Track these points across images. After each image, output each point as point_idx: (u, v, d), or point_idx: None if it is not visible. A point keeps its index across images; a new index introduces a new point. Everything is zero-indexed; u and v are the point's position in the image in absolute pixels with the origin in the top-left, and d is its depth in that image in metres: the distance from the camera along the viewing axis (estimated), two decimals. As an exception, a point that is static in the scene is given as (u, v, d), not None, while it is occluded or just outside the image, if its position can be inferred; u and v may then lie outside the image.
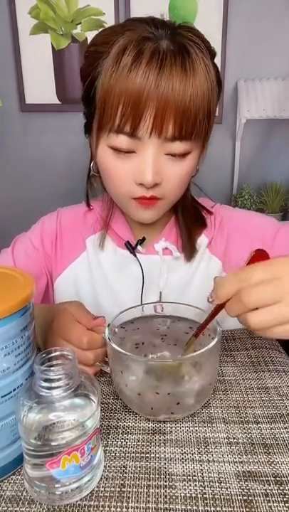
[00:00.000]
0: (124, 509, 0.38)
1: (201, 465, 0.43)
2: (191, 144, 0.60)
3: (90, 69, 0.59)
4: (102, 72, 0.57)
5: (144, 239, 0.73)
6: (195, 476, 0.42)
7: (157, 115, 0.55)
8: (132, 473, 0.42)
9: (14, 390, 0.41)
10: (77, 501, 0.39)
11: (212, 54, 0.60)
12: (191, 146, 0.60)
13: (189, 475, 0.42)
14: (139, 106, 0.55)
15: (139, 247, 0.73)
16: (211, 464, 0.43)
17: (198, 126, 0.58)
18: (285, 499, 0.39)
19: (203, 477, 0.42)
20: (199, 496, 0.40)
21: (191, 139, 0.59)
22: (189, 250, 0.73)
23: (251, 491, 0.40)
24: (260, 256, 0.48)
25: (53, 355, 0.40)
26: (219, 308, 0.48)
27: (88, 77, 0.60)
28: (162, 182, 0.61)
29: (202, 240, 0.75)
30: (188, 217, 0.73)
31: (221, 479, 0.41)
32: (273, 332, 0.44)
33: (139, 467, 0.43)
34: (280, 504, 0.39)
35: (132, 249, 0.72)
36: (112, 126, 0.58)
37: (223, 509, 0.38)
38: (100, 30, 0.61)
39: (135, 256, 0.72)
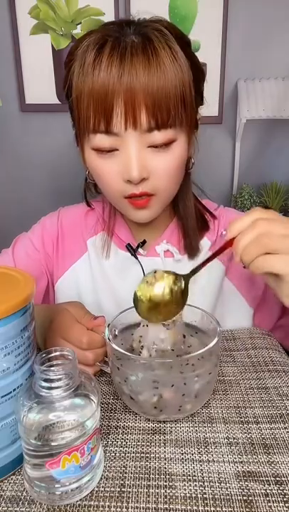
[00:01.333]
0: (124, 509, 0.38)
1: (201, 465, 0.43)
2: (171, 132, 0.59)
3: (66, 77, 0.61)
4: (72, 76, 0.58)
5: (144, 241, 0.73)
6: (195, 476, 0.42)
7: (127, 107, 0.55)
8: (132, 473, 0.42)
9: (14, 390, 0.41)
10: (77, 501, 0.39)
11: (184, 41, 0.60)
12: (173, 134, 0.59)
13: (189, 475, 0.42)
14: (107, 100, 0.55)
15: (140, 250, 0.73)
16: (211, 463, 0.43)
17: (173, 111, 0.57)
18: (285, 499, 0.39)
19: (203, 477, 0.42)
20: (199, 496, 0.40)
21: (169, 127, 0.58)
22: (192, 250, 0.73)
23: (251, 491, 0.40)
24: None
25: (53, 355, 0.40)
26: (226, 246, 0.51)
27: (65, 85, 0.61)
28: (150, 176, 0.60)
29: (205, 243, 0.75)
30: (190, 219, 0.72)
31: (221, 479, 0.41)
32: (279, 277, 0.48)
33: (139, 467, 0.43)
34: (280, 504, 0.39)
35: (133, 251, 0.72)
36: (88, 126, 0.58)
37: (223, 509, 0.38)
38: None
39: (136, 258, 0.72)
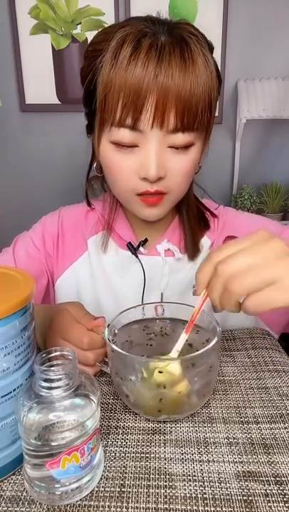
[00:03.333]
0: (124, 509, 0.38)
1: (201, 465, 0.43)
2: (193, 135, 0.59)
3: (90, 67, 0.60)
4: (101, 67, 0.57)
5: (146, 240, 0.73)
6: (195, 476, 0.42)
7: (158, 106, 0.55)
8: (132, 473, 0.42)
9: (14, 390, 0.41)
10: (77, 501, 0.39)
11: (210, 48, 0.61)
12: (194, 138, 0.60)
13: (189, 475, 0.42)
14: (140, 97, 0.55)
15: (141, 248, 0.73)
16: (211, 463, 0.43)
17: (200, 116, 0.57)
18: (285, 499, 0.39)
19: (203, 477, 0.42)
20: (199, 496, 0.40)
21: (193, 130, 0.59)
22: (192, 250, 0.73)
23: (251, 491, 0.40)
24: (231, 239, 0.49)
25: (53, 355, 0.40)
26: (205, 298, 0.47)
27: (88, 76, 0.60)
28: (166, 176, 0.61)
29: (205, 242, 0.75)
30: (191, 218, 0.73)
31: (221, 479, 0.41)
32: (266, 297, 0.41)
33: (139, 467, 0.43)
34: (280, 504, 0.39)
35: (133, 250, 0.72)
36: (114, 119, 0.58)
37: (223, 509, 0.38)
38: (99, 30, 0.61)
39: (137, 257, 0.72)
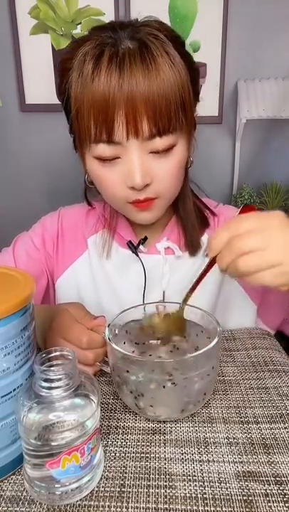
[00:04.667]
0: (124, 509, 0.38)
1: (201, 465, 0.43)
2: (172, 136, 0.59)
3: (62, 86, 0.60)
4: (70, 87, 0.58)
5: (145, 238, 0.73)
6: (195, 476, 0.42)
7: (129, 116, 0.55)
8: (132, 473, 0.42)
9: (14, 390, 0.41)
10: (77, 501, 0.39)
11: (179, 41, 0.59)
12: (174, 139, 0.59)
13: (189, 475, 0.42)
14: (109, 111, 0.55)
15: (141, 247, 0.73)
16: (211, 463, 0.43)
17: (174, 117, 0.57)
18: (285, 499, 0.39)
19: (203, 477, 0.42)
20: (199, 496, 0.40)
21: (170, 133, 0.58)
22: (193, 246, 0.73)
23: (251, 491, 0.40)
24: (248, 209, 0.52)
25: (53, 355, 0.40)
26: (212, 262, 0.51)
27: (63, 95, 0.61)
28: (153, 181, 0.61)
29: (205, 239, 0.75)
30: (189, 216, 0.73)
31: (221, 479, 0.41)
32: (261, 276, 0.46)
33: (139, 467, 0.43)
34: (280, 504, 0.39)
35: (134, 248, 0.72)
36: (90, 136, 0.58)
37: (223, 509, 0.38)
38: (67, 47, 0.62)
39: (137, 255, 0.72)
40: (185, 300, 0.55)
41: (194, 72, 0.61)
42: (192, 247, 0.73)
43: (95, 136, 0.58)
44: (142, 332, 0.55)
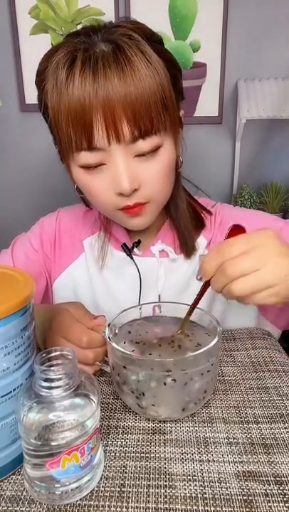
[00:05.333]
0: (124, 509, 0.38)
1: (201, 465, 0.43)
2: (156, 138, 0.57)
3: (40, 98, 0.60)
4: (46, 97, 0.57)
5: (139, 241, 0.72)
6: (195, 476, 0.42)
7: (107, 121, 0.53)
8: (132, 473, 0.42)
9: (14, 390, 0.41)
10: (77, 501, 0.39)
11: (155, 39, 0.58)
12: (159, 140, 0.57)
13: (189, 475, 0.42)
14: (86, 117, 0.53)
15: (135, 250, 0.72)
16: (211, 463, 0.43)
17: (156, 117, 0.55)
18: (285, 499, 0.39)
19: (203, 477, 0.42)
20: (199, 495, 0.40)
21: (153, 133, 0.56)
22: (187, 249, 0.72)
23: (251, 490, 0.40)
24: (237, 230, 0.53)
25: (53, 355, 0.40)
26: (207, 285, 0.52)
27: (41, 106, 0.60)
28: (141, 185, 0.59)
29: (201, 241, 0.74)
30: (183, 218, 0.71)
31: (221, 479, 0.41)
32: (257, 298, 0.47)
33: (139, 467, 0.43)
34: (280, 504, 0.39)
35: (128, 251, 0.72)
36: (71, 145, 0.57)
37: (223, 509, 0.38)
38: (42, 57, 0.60)
39: (132, 258, 0.72)
40: (183, 325, 0.54)
41: (174, 69, 0.59)
42: (187, 249, 0.72)
43: (76, 145, 0.56)
44: None
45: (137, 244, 0.72)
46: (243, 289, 0.46)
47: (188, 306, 0.55)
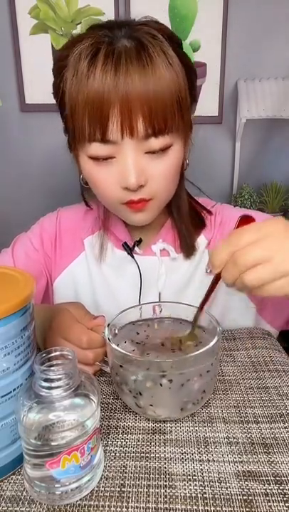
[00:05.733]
0: (124, 509, 0.38)
1: (201, 465, 0.43)
2: (168, 137, 0.58)
3: (57, 85, 0.60)
4: (65, 85, 0.57)
5: (140, 240, 0.73)
6: (195, 476, 0.42)
7: (124, 115, 0.54)
8: (132, 473, 0.42)
9: (14, 390, 0.41)
10: (77, 501, 0.39)
11: (175, 42, 0.59)
12: (170, 139, 0.58)
13: (189, 475, 0.42)
14: (103, 109, 0.54)
15: (136, 248, 0.73)
16: (211, 463, 0.43)
17: (170, 117, 0.56)
18: (285, 499, 0.39)
19: (203, 477, 0.42)
20: (199, 495, 0.40)
21: (166, 133, 0.57)
22: (188, 249, 0.73)
23: (251, 490, 0.40)
24: (246, 221, 0.51)
25: (53, 355, 0.40)
26: (217, 278, 0.49)
27: (58, 93, 0.60)
28: (148, 182, 0.60)
29: (201, 241, 0.74)
30: (184, 218, 0.72)
31: (221, 479, 0.41)
32: (271, 288, 0.44)
33: (139, 467, 0.43)
34: (280, 504, 0.39)
35: (129, 250, 0.72)
36: (84, 135, 0.57)
37: (223, 509, 0.38)
38: (62, 45, 0.60)
39: (132, 257, 0.72)
40: (195, 320, 0.53)
41: (192, 73, 0.61)
42: (187, 249, 0.73)
43: (89, 135, 0.57)
44: None
45: (138, 242, 0.72)
46: (258, 278, 0.44)
47: (190, 305, 0.55)
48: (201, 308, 0.53)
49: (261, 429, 0.48)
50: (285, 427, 0.48)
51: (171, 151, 0.60)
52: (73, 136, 0.60)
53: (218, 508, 0.38)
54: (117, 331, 0.54)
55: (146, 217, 0.65)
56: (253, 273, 0.44)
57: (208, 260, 0.48)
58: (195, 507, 0.39)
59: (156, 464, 0.43)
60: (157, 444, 0.46)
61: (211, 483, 0.41)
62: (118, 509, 0.38)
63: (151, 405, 0.47)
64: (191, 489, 0.40)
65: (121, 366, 0.47)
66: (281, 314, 0.75)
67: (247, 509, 0.38)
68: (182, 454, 0.45)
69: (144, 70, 0.53)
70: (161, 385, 0.45)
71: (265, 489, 0.40)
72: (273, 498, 0.39)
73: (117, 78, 0.53)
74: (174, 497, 0.40)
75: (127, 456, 0.44)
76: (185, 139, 0.62)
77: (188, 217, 0.72)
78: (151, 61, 0.54)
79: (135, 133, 0.56)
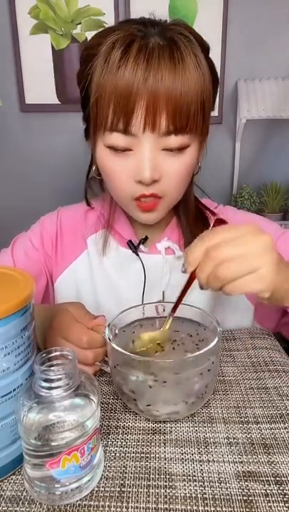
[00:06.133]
0: (124, 509, 0.38)
1: (201, 465, 0.43)
2: (187, 137, 0.59)
3: (84, 72, 0.60)
4: (94, 72, 0.58)
5: (146, 238, 0.73)
6: (195, 476, 0.42)
7: (149, 109, 0.55)
8: (132, 473, 0.42)
9: (14, 390, 0.41)
10: (77, 501, 0.39)
11: (205, 47, 0.60)
12: (188, 139, 0.60)
13: (189, 475, 0.42)
14: (130, 101, 0.55)
15: (141, 247, 0.73)
16: (211, 463, 0.43)
17: (193, 118, 0.57)
18: (285, 499, 0.39)
19: (203, 477, 0.42)
20: (199, 495, 0.40)
21: (186, 132, 0.58)
22: None
23: (251, 491, 0.40)
24: (220, 223, 0.53)
25: (53, 355, 0.40)
26: (191, 278, 0.50)
27: (83, 80, 0.61)
28: (161, 179, 0.61)
29: None
30: (190, 217, 0.73)
31: (221, 479, 0.41)
32: (241, 283, 0.45)
33: (139, 467, 0.43)
34: (280, 504, 0.39)
35: (134, 248, 0.72)
36: (106, 124, 0.58)
37: (223, 509, 0.38)
38: (95, 33, 0.61)
39: (137, 255, 0.72)
40: (168, 320, 0.53)
41: (216, 80, 0.62)
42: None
43: (111, 124, 0.57)
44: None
45: (144, 240, 0.73)
46: (229, 272, 0.44)
47: (193, 306, 0.55)
48: (174, 309, 0.53)
49: (261, 430, 0.48)
50: (285, 428, 0.48)
51: (187, 152, 0.61)
52: (95, 123, 0.60)
53: (218, 509, 0.38)
54: (117, 331, 0.54)
55: (154, 216, 0.66)
56: (224, 267, 0.45)
57: (184, 259, 0.49)
58: (195, 507, 0.38)
59: (156, 464, 0.43)
60: (157, 444, 0.46)
61: (211, 484, 0.41)
62: (118, 509, 0.38)
63: (151, 405, 0.47)
64: (191, 489, 0.40)
65: (120, 366, 0.47)
66: (269, 316, 0.76)
67: (247, 509, 0.38)
68: (182, 454, 0.45)
69: (174, 69, 0.54)
70: (161, 385, 0.45)
71: (265, 489, 0.40)
72: (273, 499, 0.39)
73: (148, 72, 0.54)
74: (174, 497, 0.39)
75: (127, 456, 0.44)
76: (201, 142, 0.64)
77: (194, 217, 0.73)
78: (183, 61, 0.55)
79: (157, 128, 0.57)
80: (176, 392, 0.46)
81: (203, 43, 0.60)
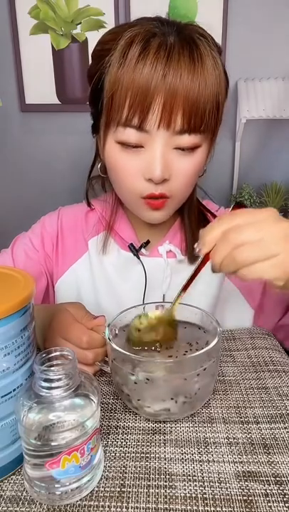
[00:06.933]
0: (124, 509, 0.38)
1: (201, 465, 0.43)
2: (199, 137, 0.59)
3: (98, 67, 0.59)
4: (109, 67, 0.57)
5: (148, 242, 0.72)
6: (195, 476, 0.42)
7: (165, 106, 0.55)
8: (132, 473, 0.42)
9: (14, 390, 0.41)
10: (77, 501, 0.39)
11: (219, 50, 0.60)
12: (200, 139, 0.60)
13: (189, 475, 0.42)
14: (147, 97, 0.55)
15: (142, 250, 0.72)
16: (211, 463, 0.43)
17: (207, 118, 0.57)
18: (285, 499, 0.39)
19: (203, 477, 0.42)
20: (199, 496, 0.40)
21: (199, 132, 0.58)
22: (192, 253, 0.73)
23: (251, 491, 0.40)
24: (240, 207, 0.51)
25: (53, 355, 0.40)
26: (205, 259, 0.48)
27: (95, 75, 0.60)
28: (171, 178, 0.60)
29: None
30: (193, 220, 0.73)
31: (221, 479, 0.41)
32: (258, 268, 0.44)
33: (139, 467, 0.43)
34: (280, 504, 0.39)
35: (135, 251, 0.72)
36: (120, 119, 0.57)
37: (223, 509, 0.38)
38: (108, 30, 0.61)
39: (139, 258, 0.72)
40: (176, 299, 0.53)
41: (227, 82, 0.62)
42: (192, 252, 0.73)
43: (125, 119, 0.57)
44: (128, 344, 0.52)
45: (146, 244, 0.72)
46: (247, 256, 0.43)
47: (193, 306, 0.55)
48: (184, 289, 0.52)
49: (261, 430, 0.48)
50: (285, 428, 0.48)
51: (198, 152, 0.61)
52: (107, 118, 0.59)
53: (218, 509, 0.38)
54: (117, 331, 0.54)
55: (161, 215, 0.65)
56: (242, 250, 0.43)
57: (199, 239, 0.47)
58: (195, 507, 0.38)
59: (156, 464, 0.43)
60: (157, 444, 0.46)
61: (211, 484, 0.41)
62: (118, 509, 0.38)
63: (150, 405, 0.47)
64: (191, 489, 0.40)
65: (120, 366, 0.47)
66: (263, 314, 0.76)
67: (247, 509, 0.38)
68: (182, 454, 0.45)
69: (194, 68, 0.54)
70: (161, 385, 0.45)
71: (265, 489, 0.40)
72: (273, 499, 0.39)
73: (167, 69, 0.54)
74: (174, 497, 0.39)
75: (127, 456, 0.44)
76: (211, 144, 0.64)
77: (197, 219, 0.73)
78: (202, 60, 0.55)
79: (172, 126, 0.57)
80: (176, 392, 0.46)
81: (217, 45, 0.60)
